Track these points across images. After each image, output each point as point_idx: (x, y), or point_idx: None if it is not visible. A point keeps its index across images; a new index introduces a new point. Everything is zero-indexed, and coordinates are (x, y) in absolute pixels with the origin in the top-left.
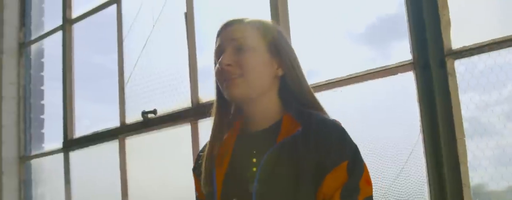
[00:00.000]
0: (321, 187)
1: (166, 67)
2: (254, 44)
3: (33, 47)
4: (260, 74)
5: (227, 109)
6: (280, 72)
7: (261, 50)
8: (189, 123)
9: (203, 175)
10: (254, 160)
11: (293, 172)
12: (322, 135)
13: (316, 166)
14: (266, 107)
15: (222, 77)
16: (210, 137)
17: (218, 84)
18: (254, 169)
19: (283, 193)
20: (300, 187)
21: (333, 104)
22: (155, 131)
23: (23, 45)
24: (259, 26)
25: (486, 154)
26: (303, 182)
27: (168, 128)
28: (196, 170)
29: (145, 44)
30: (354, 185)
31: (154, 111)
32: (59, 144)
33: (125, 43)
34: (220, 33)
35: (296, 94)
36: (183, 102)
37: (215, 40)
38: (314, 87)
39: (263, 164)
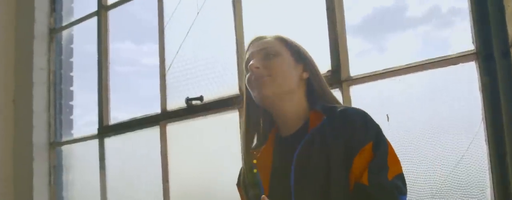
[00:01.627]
0: (351, 170)
1: (211, 55)
2: (281, 51)
3: (64, 33)
4: (286, 75)
5: (258, 118)
6: (305, 75)
7: (286, 55)
8: (237, 110)
9: (246, 181)
10: (290, 159)
11: (325, 160)
12: (346, 121)
13: (344, 151)
14: (295, 107)
15: (252, 79)
16: (243, 147)
17: (249, 90)
18: (290, 165)
19: (318, 181)
20: (332, 173)
21: (390, 93)
22: (200, 118)
23: (54, 31)
24: (282, 39)
25: None
26: (335, 168)
27: (214, 115)
28: (240, 184)
29: (188, 32)
30: (382, 163)
31: (200, 98)
32: (90, 130)
33: (166, 31)
34: (249, 48)
35: (320, 95)
36: (230, 89)
37: (246, 54)
38: (369, 76)
39: (296, 157)
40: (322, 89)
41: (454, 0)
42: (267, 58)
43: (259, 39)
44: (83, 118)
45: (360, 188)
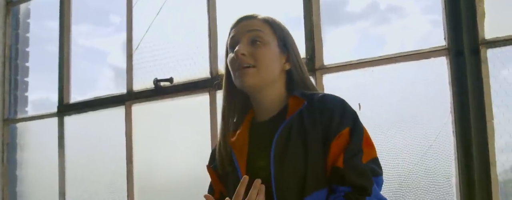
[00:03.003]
0: (329, 155)
1: (182, 36)
2: (268, 39)
3: (21, 7)
4: (270, 67)
5: (235, 98)
6: (287, 66)
7: (273, 45)
8: (208, 93)
9: (222, 163)
10: (269, 142)
11: (304, 144)
12: (325, 107)
13: (322, 136)
14: (274, 96)
15: (235, 65)
16: (221, 124)
17: (231, 72)
18: (270, 148)
19: (297, 165)
20: (310, 157)
21: (363, 83)
22: (168, 99)
23: (11, 4)
24: (272, 22)
25: None
26: (313, 152)
27: (183, 97)
28: (211, 165)
29: (159, 11)
30: (357, 147)
31: (170, 79)
32: (45, 108)
33: (134, 9)
34: (235, 26)
35: (299, 84)
36: (200, 72)
37: (229, 32)
38: (343, 65)
39: (276, 142)
40: (303, 80)
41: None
42: (254, 45)
43: (249, 18)
44: (38, 95)
45: (335, 171)
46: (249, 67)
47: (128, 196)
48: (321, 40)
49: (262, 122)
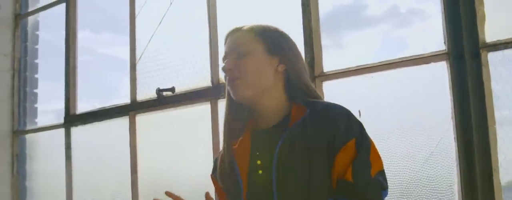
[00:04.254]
0: (334, 166)
1: (184, 46)
2: (251, 48)
3: (30, 19)
4: (258, 73)
5: (237, 109)
6: (281, 68)
7: (258, 51)
8: (209, 102)
9: (224, 171)
10: (271, 151)
11: (307, 154)
12: (328, 117)
13: (327, 146)
14: (273, 102)
15: (227, 80)
16: (223, 133)
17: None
18: (272, 157)
19: (300, 175)
20: (314, 168)
21: (362, 90)
22: (171, 109)
23: (19, 17)
24: (257, 29)
25: None
26: (317, 162)
27: (185, 106)
28: (214, 174)
29: (160, 21)
30: (365, 160)
31: (172, 89)
32: (54, 119)
33: (137, 20)
34: (225, 42)
35: (299, 86)
36: (202, 81)
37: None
38: (343, 72)
39: (278, 150)
40: (301, 81)
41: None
42: (239, 57)
43: (234, 32)
44: (48, 107)
45: (344, 185)
46: (234, 79)
47: None
48: (320, 46)
49: (264, 130)
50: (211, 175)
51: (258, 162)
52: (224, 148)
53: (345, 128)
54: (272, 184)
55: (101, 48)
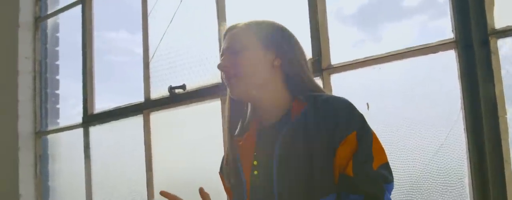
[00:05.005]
0: (335, 159)
1: (194, 43)
2: (246, 44)
3: (49, 22)
4: (253, 69)
5: (238, 105)
6: (277, 62)
7: (253, 47)
8: (219, 99)
9: (229, 169)
10: (272, 147)
11: (308, 149)
12: (329, 110)
13: (327, 140)
14: (274, 96)
15: (223, 79)
16: (227, 134)
17: None
18: (272, 154)
19: (300, 170)
20: (315, 162)
21: (370, 82)
22: (183, 106)
23: (39, 19)
24: (251, 25)
25: None
26: (318, 156)
27: (197, 103)
28: (222, 171)
29: (171, 20)
30: (367, 153)
31: (183, 86)
32: (75, 119)
33: (149, 19)
34: (223, 39)
35: (299, 80)
36: (212, 78)
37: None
38: (350, 64)
39: (279, 146)
40: (299, 75)
41: None
42: (234, 54)
43: (230, 29)
44: (70, 107)
45: (345, 179)
46: (231, 77)
47: None
48: (327, 39)
49: (267, 126)
50: (219, 172)
51: (260, 159)
52: (228, 146)
53: (346, 121)
54: (272, 180)
55: (137, 48)
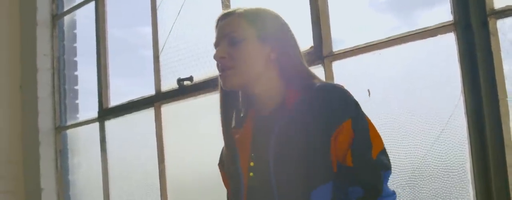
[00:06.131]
0: (331, 147)
1: (201, 35)
2: (244, 35)
3: (66, 19)
4: (250, 63)
5: (233, 98)
6: (273, 56)
7: (251, 38)
8: None
9: (227, 161)
10: (267, 137)
11: (304, 138)
12: (324, 97)
13: (323, 128)
14: (268, 88)
15: (218, 68)
16: (222, 126)
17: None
18: (268, 144)
19: (297, 159)
20: (311, 151)
21: (371, 68)
22: (191, 98)
23: (56, 17)
24: (248, 14)
25: None
26: (314, 145)
27: (204, 95)
28: (221, 163)
29: (179, 12)
30: (364, 141)
31: (190, 78)
32: (94, 114)
33: (158, 12)
34: (216, 27)
35: (294, 72)
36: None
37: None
38: (351, 50)
39: (274, 136)
40: (294, 66)
41: None
42: (231, 46)
43: (226, 16)
44: (89, 102)
45: (344, 170)
46: (227, 69)
47: (161, 195)
48: (328, 26)
49: (262, 116)
50: (218, 164)
51: (257, 149)
52: (224, 139)
53: (340, 108)
54: (269, 171)
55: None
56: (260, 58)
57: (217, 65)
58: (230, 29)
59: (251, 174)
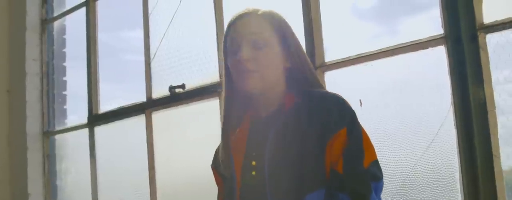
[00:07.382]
0: (326, 155)
1: (193, 43)
2: (269, 40)
3: (56, 24)
4: (273, 69)
5: (238, 99)
6: (287, 65)
7: (274, 45)
8: (218, 98)
9: (221, 161)
10: (264, 140)
11: (299, 143)
12: (322, 106)
13: (319, 134)
14: (274, 92)
15: (239, 69)
16: (223, 127)
17: (233, 75)
18: (264, 147)
19: (292, 164)
20: (306, 157)
21: (363, 79)
22: (183, 105)
23: (46, 22)
24: (270, 18)
25: None
26: (309, 151)
27: (196, 102)
28: (214, 164)
29: (171, 20)
30: (357, 149)
31: (182, 86)
32: (82, 119)
33: (150, 18)
34: (234, 25)
35: (301, 79)
36: (211, 77)
37: (227, 30)
38: (343, 61)
39: (270, 139)
40: (305, 76)
41: None
42: (257, 49)
43: (245, 15)
44: (77, 108)
45: (335, 176)
46: (252, 72)
47: None
48: (321, 36)
49: (260, 119)
50: (211, 165)
51: (252, 152)
52: (222, 139)
53: (337, 116)
54: (264, 176)
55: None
56: (280, 66)
57: (236, 66)
58: (256, 30)
59: (253, 173)
